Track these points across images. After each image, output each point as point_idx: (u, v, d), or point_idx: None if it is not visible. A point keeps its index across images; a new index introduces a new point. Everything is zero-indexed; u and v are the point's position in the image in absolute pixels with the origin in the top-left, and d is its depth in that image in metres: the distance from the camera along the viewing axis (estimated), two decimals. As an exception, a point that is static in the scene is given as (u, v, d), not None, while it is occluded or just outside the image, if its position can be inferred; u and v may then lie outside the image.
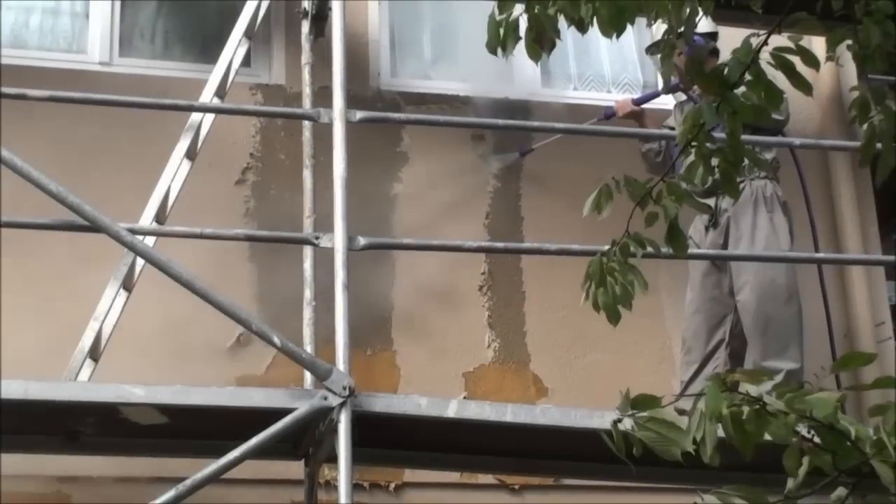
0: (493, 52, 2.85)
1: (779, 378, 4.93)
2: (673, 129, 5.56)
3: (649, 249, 2.83)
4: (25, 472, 4.60)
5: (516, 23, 2.73)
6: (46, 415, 4.16)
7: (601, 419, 4.26)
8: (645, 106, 5.70)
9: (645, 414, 2.42)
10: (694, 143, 2.52)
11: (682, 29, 2.71)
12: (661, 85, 5.56)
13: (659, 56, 5.68)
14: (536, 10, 2.71)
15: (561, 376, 5.57)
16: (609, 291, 2.80)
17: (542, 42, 2.75)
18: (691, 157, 2.53)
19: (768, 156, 5.29)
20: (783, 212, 5.26)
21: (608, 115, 5.67)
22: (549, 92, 6.15)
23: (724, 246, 5.22)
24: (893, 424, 2.23)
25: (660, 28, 5.40)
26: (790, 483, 2.26)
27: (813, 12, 2.72)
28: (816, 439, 2.25)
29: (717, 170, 2.59)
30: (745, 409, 2.26)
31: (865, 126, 2.72)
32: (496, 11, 2.77)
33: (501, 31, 2.74)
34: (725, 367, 5.19)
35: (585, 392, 5.48)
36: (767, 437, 2.27)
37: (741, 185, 4.86)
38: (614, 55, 6.22)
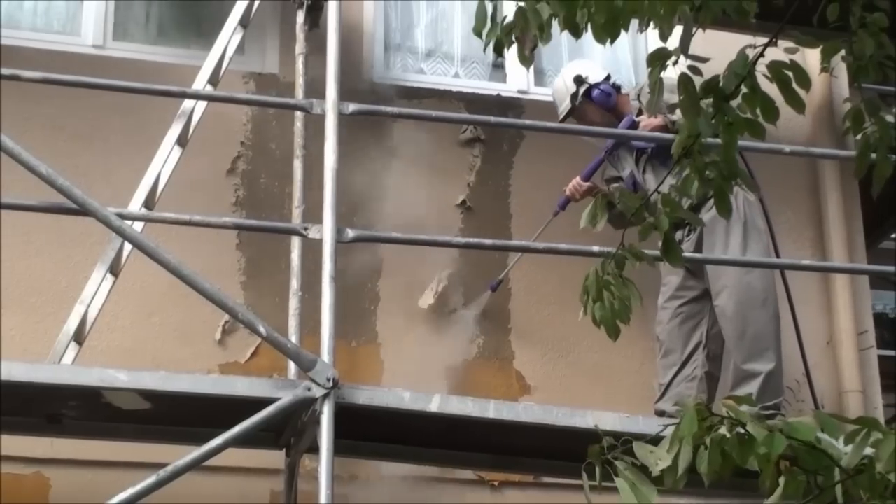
0: (479, 35, 2.86)
1: (759, 381, 4.99)
2: (618, 178, 5.54)
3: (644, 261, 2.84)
4: (4, 453, 4.58)
5: (511, 27, 2.74)
6: (29, 397, 4.15)
7: (583, 418, 4.28)
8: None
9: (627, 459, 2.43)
10: (688, 157, 2.52)
11: (672, 38, 2.72)
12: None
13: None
14: (524, 6, 2.72)
15: (544, 374, 5.58)
16: (607, 306, 2.82)
17: (524, 40, 2.76)
18: (686, 171, 2.54)
19: None
20: (759, 218, 5.29)
21: (563, 205, 5.45)
22: (542, 90, 6.15)
23: (698, 253, 5.21)
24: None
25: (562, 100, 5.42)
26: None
27: (809, 22, 2.74)
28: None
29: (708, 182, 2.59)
30: (725, 432, 2.27)
31: (860, 137, 2.74)
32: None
33: (495, 33, 2.75)
34: (703, 368, 5.24)
35: (568, 390, 5.50)
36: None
37: None
38: (608, 56, 6.22)
